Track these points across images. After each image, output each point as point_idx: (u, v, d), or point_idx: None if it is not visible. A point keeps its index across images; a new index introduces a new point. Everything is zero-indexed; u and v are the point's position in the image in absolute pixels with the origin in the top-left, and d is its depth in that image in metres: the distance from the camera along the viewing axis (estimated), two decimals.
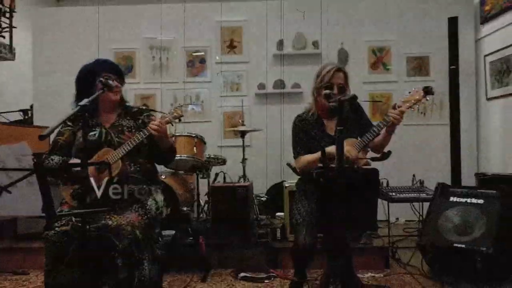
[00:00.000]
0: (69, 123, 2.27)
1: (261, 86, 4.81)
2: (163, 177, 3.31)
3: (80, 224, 1.76)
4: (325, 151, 1.82)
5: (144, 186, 2.17)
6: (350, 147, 2.25)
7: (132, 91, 4.78)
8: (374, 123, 2.38)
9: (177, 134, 3.38)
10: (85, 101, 1.85)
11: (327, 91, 2.29)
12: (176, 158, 3.27)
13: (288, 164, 2.04)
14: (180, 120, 2.19)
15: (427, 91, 2.16)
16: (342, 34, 4.80)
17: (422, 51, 4.74)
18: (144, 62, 4.85)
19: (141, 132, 2.12)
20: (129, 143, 2.10)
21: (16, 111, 4.22)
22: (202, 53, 4.84)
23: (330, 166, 1.80)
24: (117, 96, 2.28)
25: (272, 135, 4.66)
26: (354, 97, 1.86)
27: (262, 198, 4.30)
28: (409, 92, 2.22)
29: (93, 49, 4.74)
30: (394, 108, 2.19)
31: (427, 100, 2.19)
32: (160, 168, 3.42)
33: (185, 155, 3.32)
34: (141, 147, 2.19)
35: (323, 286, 2.46)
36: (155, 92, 4.83)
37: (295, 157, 2.46)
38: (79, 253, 1.82)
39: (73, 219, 1.95)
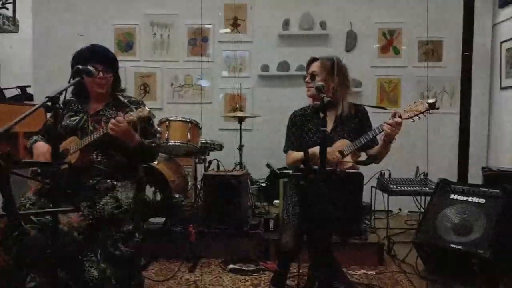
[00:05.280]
0: (61, 105, 2.22)
1: (265, 67, 4.64)
2: (155, 162, 3.24)
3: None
4: (308, 152, 1.71)
5: (108, 181, 2.09)
6: (335, 150, 2.15)
7: (132, 69, 4.68)
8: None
9: (171, 118, 3.28)
10: (54, 92, 1.75)
11: (319, 84, 2.17)
12: (169, 143, 3.24)
13: (268, 165, 1.93)
14: (144, 120, 2.04)
15: (431, 104, 2.02)
16: (352, 15, 4.56)
17: (435, 35, 4.48)
18: (144, 39, 4.70)
19: (105, 127, 2.01)
20: (92, 136, 2.02)
21: (14, 87, 4.15)
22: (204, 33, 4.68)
23: (311, 168, 1.69)
24: (103, 89, 2.19)
25: (275, 119, 4.51)
26: (327, 102, 1.73)
27: (262, 184, 4.21)
28: (414, 103, 2.08)
29: (92, 24, 4.62)
30: (394, 116, 2.08)
31: (429, 113, 2.04)
32: None
33: (179, 141, 3.23)
34: (114, 140, 2.06)
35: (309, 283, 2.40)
36: (155, 71, 4.70)
37: (284, 152, 2.42)
38: (20, 247, 1.79)
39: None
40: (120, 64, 4.62)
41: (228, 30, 4.65)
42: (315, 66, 2.30)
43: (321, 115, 1.66)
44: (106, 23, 4.68)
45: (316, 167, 1.69)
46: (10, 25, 5.52)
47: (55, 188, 1.54)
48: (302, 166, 1.70)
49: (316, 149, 1.84)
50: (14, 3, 5.02)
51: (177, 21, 4.67)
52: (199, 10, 4.63)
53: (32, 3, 4.81)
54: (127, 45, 4.71)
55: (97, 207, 1.96)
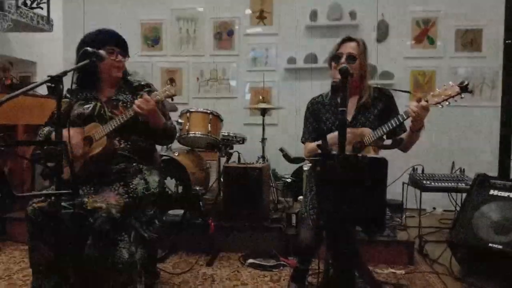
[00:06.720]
0: (67, 95, 2.20)
1: (291, 60, 4.51)
2: (176, 154, 3.18)
3: (54, 201, 1.65)
4: (325, 139, 1.57)
5: (134, 164, 2.04)
6: (355, 137, 2.00)
7: (158, 64, 4.68)
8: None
9: (191, 110, 3.22)
10: (61, 72, 1.70)
11: (343, 66, 2.01)
12: (190, 135, 3.18)
13: (281, 149, 1.80)
14: (172, 99, 2.00)
15: (463, 87, 1.80)
16: (383, 4, 4.36)
17: (474, 23, 4.21)
18: (171, 34, 4.69)
19: (130, 109, 1.96)
20: (117, 120, 1.95)
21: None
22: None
23: (330, 154, 1.55)
24: (120, 73, 2.14)
25: (302, 113, 4.36)
26: (344, 72, 1.57)
27: (288, 180, 4.08)
28: (444, 85, 1.87)
29: (119, 20, 4.63)
30: (418, 101, 1.88)
31: (461, 98, 1.83)
32: (176, 145, 3.31)
33: (199, 133, 3.15)
34: (136, 124, 2.03)
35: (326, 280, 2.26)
36: (181, 66, 4.68)
37: (302, 142, 2.30)
38: (54, 230, 1.72)
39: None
40: (146, 59, 4.72)
41: (258, 29, 4.57)
42: (352, 47, 2.09)
43: (340, 95, 1.51)
44: (133, 18, 4.70)
45: (334, 152, 1.55)
46: (45, 24, 5.67)
47: (54, 171, 1.48)
48: (319, 151, 1.57)
49: (336, 134, 1.70)
50: (48, 2, 5.14)
51: (203, 15, 4.63)
52: (224, 4, 4.59)
53: (63, 1, 4.91)
54: (153, 40, 4.71)
55: (131, 186, 1.93)
